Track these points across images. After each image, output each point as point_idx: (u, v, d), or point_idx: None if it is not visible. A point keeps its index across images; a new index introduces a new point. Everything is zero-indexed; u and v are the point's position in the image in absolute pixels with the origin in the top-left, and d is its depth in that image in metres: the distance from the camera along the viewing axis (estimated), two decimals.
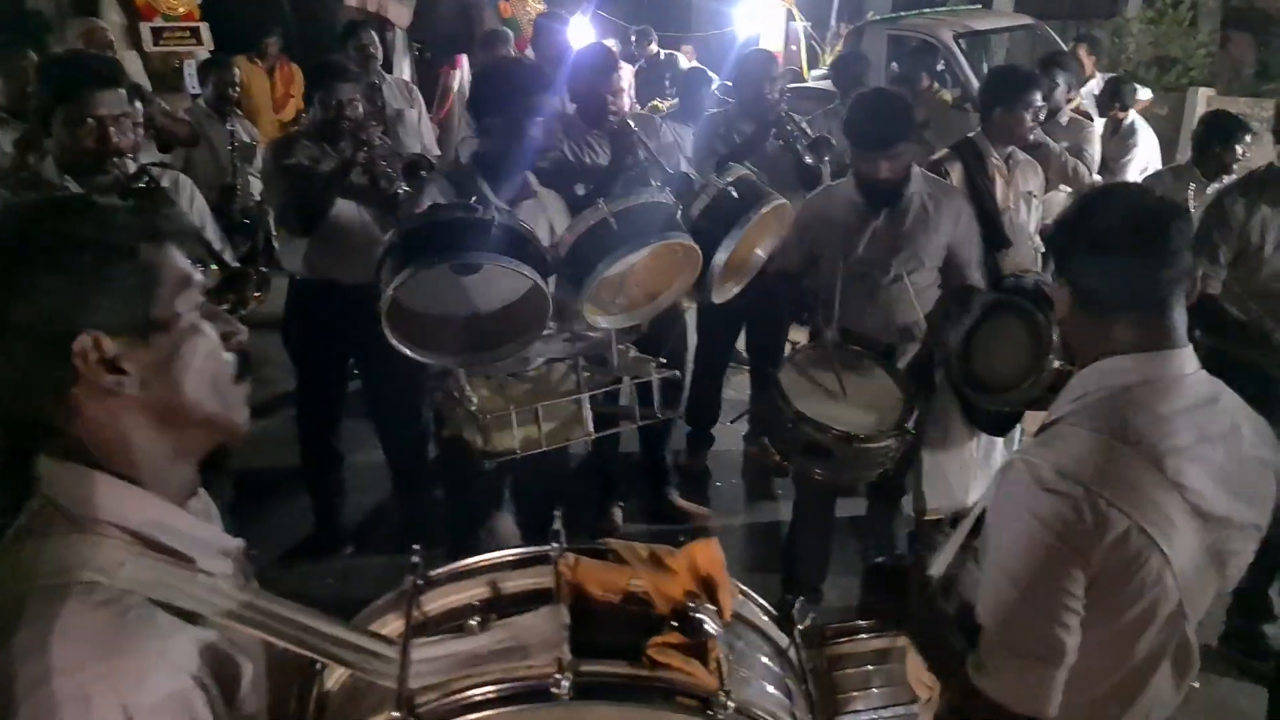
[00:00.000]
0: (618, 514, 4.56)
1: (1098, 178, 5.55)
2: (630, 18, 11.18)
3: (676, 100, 6.24)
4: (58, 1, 8.97)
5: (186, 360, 1.18)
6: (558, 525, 1.41)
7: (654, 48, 10.26)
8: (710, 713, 1.19)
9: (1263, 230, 3.54)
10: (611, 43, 9.50)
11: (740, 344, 5.34)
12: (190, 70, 8.37)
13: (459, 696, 1.19)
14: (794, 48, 12.55)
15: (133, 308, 1.13)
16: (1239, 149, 4.70)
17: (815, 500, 3.77)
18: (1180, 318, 1.64)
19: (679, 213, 2.91)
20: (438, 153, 6.03)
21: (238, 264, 3.19)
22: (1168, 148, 8.35)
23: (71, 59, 3.15)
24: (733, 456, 5.20)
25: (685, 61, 10.25)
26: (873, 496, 4.01)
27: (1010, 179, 4.13)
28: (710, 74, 6.25)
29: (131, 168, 2.84)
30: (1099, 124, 6.24)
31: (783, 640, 1.44)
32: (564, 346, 3.00)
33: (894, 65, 8.85)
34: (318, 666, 1.37)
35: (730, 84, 5.74)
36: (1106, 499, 1.53)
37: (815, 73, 11.67)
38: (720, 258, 2.99)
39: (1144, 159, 6.42)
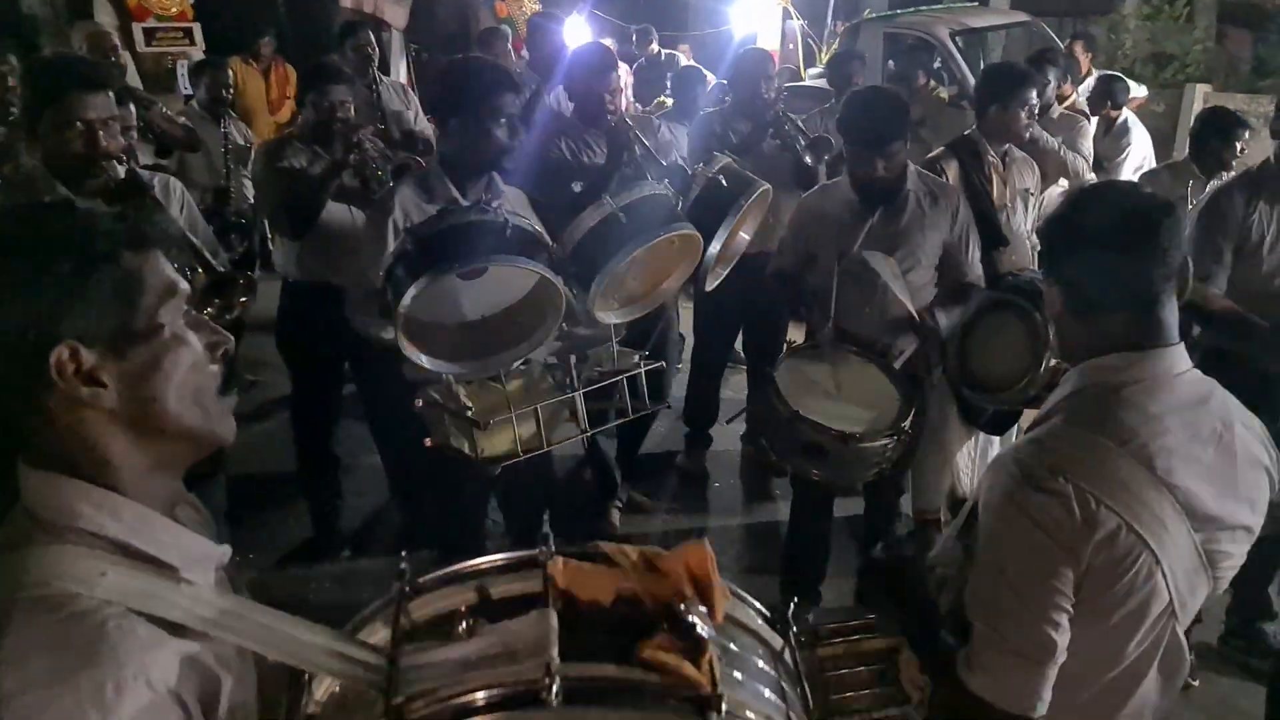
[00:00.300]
0: (615, 514, 4.55)
1: (1092, 175, 5.55)
2: (627, 17, 11.16)
3: (672, 99, 6.24)
4: (54, 5, 8.97)
5: (168, 372, 1.15)
6: (547, 529, 1.39)
7: (654, 47, 10.24)
8: (703, 716, 1.17)
9: (1262, 227, 3.53)
10: (610, 42, 9.50)
11: (738, 344, 5.34)
12: (183, 71, 8.36)
13: (448, 704, 1.17)
14: (791, 46, 12.55)
15: (113, 318, 1.11)
16: (1237, 145, 4.71)
17: (813, 501, 3.75)
18: (1171, 316, 1.63)
19: (679, 204, 2.91)
20: None
21: (226, 269, 3.15)
22: (1165, 144, 8.35)
23: (59, 62, 3.12)
24: (731, 457, 5.19)
25: (683, 60, 10.25)
26: (871, 496, 3.99)
27: (1007, 177, 4.12)
28: (705, 73, 6.24)
29: (121, 172, 2.81)
30: (1094, 121, 6.24)
31: (777, 643, 1.42)
32: (555, 346, 2.99)
33: (890, 63, 8.83)
34: (306, 678, 1.35)
35: (726, 83, 5.74)
36: (1096, 497, 1.52)
37: (812, 71, 11.66)
38: (715, 246, 3.01)
39: (1138, 157, 6.43)
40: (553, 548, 1.35)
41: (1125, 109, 6.49)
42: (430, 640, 1.28)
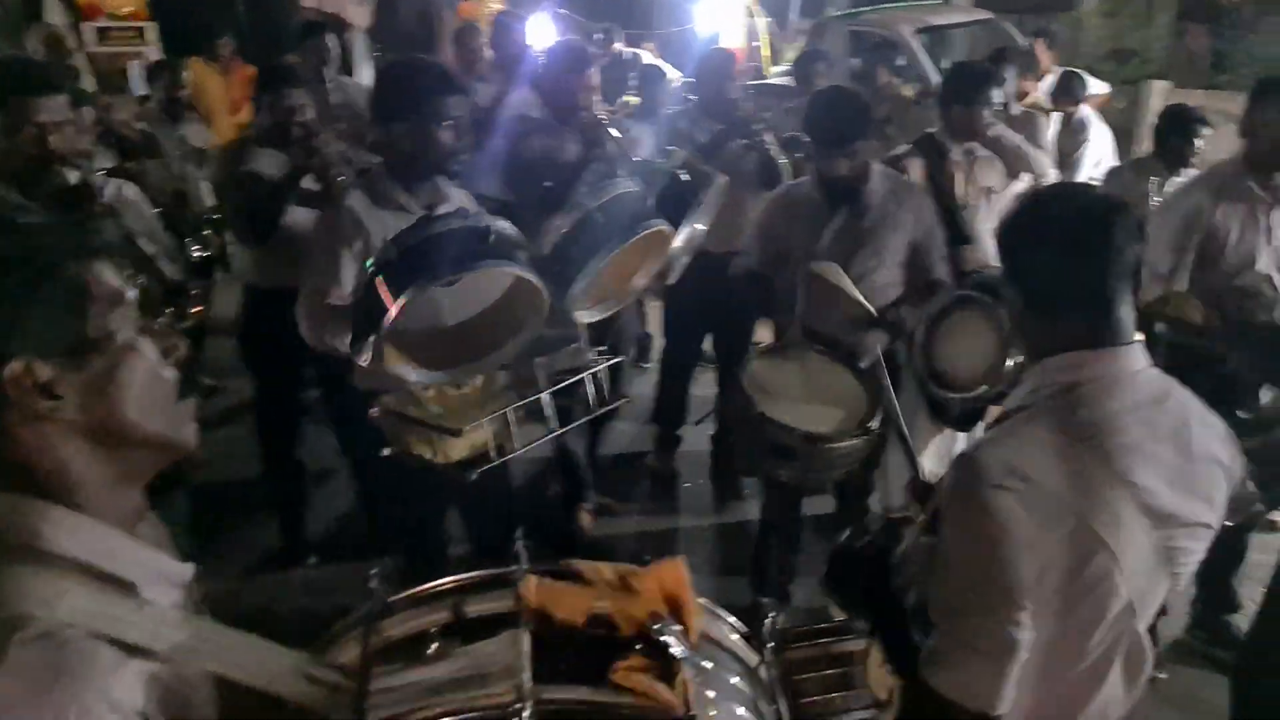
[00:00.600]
0: (587, 517, 4.52)
1: (1055, 171, 5.59)
2: (591, 15, 11.12)
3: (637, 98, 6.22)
4: (4, 5, 8.80)
5: (124, 380, 1.13)
6: (519, 544, 1.38)
7: (618, 45, 10.21)
8: None
9: (1224, 225, 3.56)
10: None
11: (708, 344, 5.32)
12: (135, 71, 8.21)
13: None
14: (755, 43, 12.57)
15: (64, 329, 1.09)
16: (1198, 142, 4.76)
17: (782, 501, 3.76)
18: (1127, 314, 1.65)
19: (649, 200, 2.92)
20: None
21: (180, 276, 3.10)
22: (1125, 139, 8.42)
23: (9, 63, 3.06)
24: (701, 456, 5.16)
25: (647, 59, 10.22)
26: (840, 495, 4.00)
27: (970, 175, 4.15)
28: (668, 71, 6.22)
29: (74, 177, 2.76)
30: (1056, 118, 6.29)
31: (752, 659, 1.42)
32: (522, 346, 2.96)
33: (854, 61, 8.87)
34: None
35: (692, 82, 5.74)
36: (1055, 496, 1.53)
37: (777, 69, 11.68)
38: (680, 240, 3.03)
39: (1097, 152, 6.47)
40: (525, 565, 1.34)
41: (1085, 105, 6.54)
42: (401, 661, 1.26)
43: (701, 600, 1.44)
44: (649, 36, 12.38)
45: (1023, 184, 5.22)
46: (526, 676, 1.14)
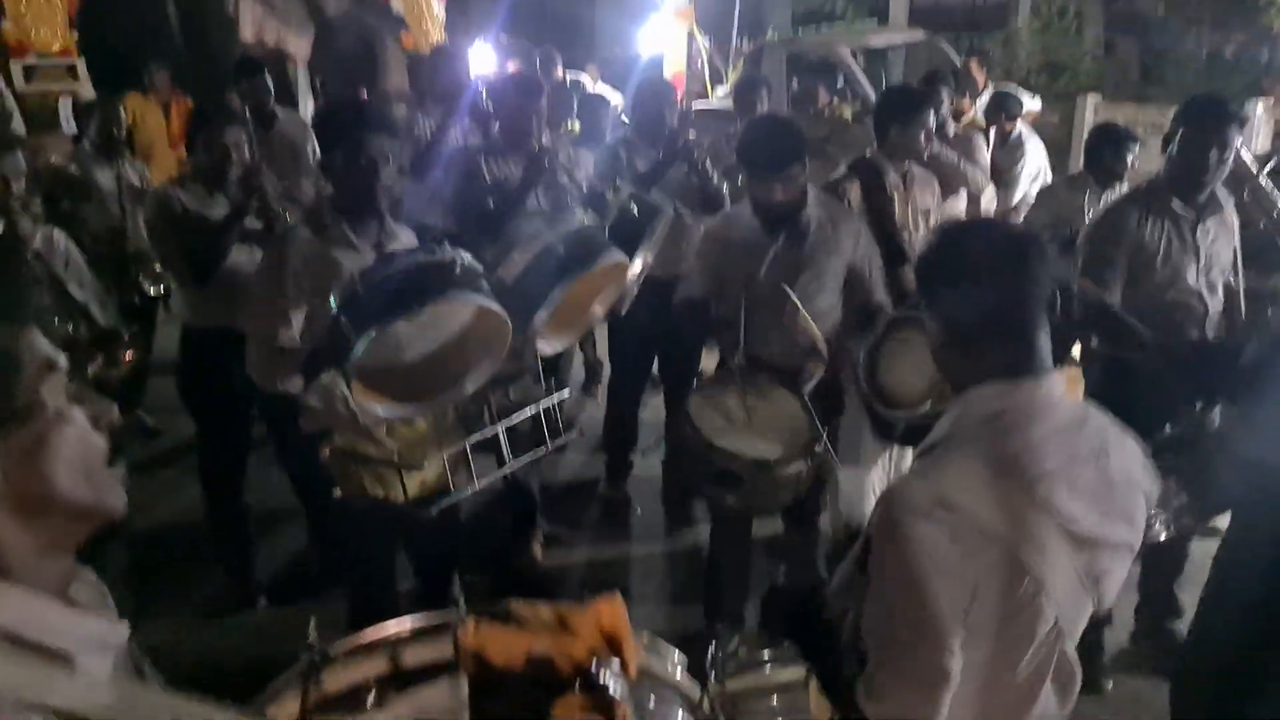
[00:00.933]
0: (538, 549, 4.49)
1: (991, 187, 5.70)
2: (533, 38, 11.14)
3: (579, 125, 6.26)
4: None
5: (55, 449, 1.12)
6: (458, 590, 1.38)
7: (560, 71, 10.26)
8: None
9: (1154, 240, 3.62)
10: (514, 64, 9.47)
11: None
12: (65, 110, 8.00)
13: None
14: (698, 65, 12.66)
15: None
16: (1129, 158, 4.89)
17: (732, 525, 3.77)
18: (1046, 343, 1.68)
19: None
20: None
21: (111, 323, 3.05)
22: (1060, 153, 8.60)
23: None
24: (652, 483, 5.16)
25: (590, 83, 10.25)
26: (788, 518, 4.02)
27: (908, 196, 4.20)
28: (611, 99, 6.26)
29: (0, 226, 2.71)
30: (991, 134, 6.41)
31: (695, 693, 1.43)
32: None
33: (795, 83, 8.99)
34: None
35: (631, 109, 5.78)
36: (980, 525, 1.55)
37: (720, 90, 11.78)
38: (635, 269, 3.09)
39: (1034, 167, 6.61)
40: (464, 611, 1.34)
41: (1019, 121, 6.68)
42: (341, 711, 1.26)
43: (644, 633, 1.44)
44: (591, 59, 12.43)
45: (961, 202, 5.33)
46: None
